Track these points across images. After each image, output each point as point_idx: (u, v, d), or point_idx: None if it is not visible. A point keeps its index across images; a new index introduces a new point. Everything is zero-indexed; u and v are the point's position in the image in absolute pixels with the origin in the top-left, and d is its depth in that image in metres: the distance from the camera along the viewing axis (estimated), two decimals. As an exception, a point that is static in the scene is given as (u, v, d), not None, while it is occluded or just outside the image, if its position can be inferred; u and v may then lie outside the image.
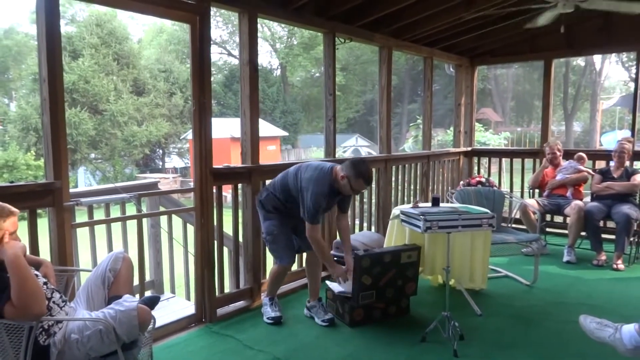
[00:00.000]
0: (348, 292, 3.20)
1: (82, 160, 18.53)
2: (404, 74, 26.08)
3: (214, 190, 3.30)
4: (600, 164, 5.40)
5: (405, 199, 5.32)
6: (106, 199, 3.09)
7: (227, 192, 3.82)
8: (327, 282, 3.45)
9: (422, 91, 5.85)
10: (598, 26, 5.30)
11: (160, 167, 22.64)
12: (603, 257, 4.56)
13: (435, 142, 15.41)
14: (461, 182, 5.14)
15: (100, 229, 3.19)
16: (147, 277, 3.84)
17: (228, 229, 3.57)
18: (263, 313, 3.36)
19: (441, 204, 3.55)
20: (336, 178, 3.01)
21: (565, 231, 4.92)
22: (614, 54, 21.17)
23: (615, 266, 4.42)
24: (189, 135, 19.77)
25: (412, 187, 5.44)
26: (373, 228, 4.91)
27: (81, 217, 2.98)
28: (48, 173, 2.53)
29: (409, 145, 16.18)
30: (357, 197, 4.72)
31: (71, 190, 2.72)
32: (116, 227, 3.28)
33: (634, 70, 6.61)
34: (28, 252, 2.24)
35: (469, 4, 4.38)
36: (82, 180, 18.75)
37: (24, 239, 2.18)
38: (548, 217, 5.36)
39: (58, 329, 1.98)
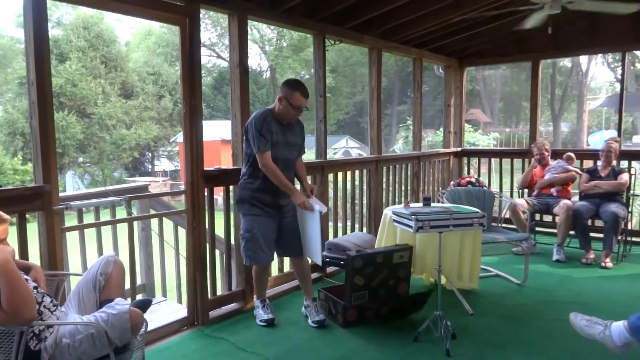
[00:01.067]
0: (324, 210, 3.13)
1: (71, 164, 18.36)
2: (393, 76, 26.18)
3: (206, 193, 3.29)
4: (588, 164, 5.47)
5: (397, 199, 5.34)
6: (96, 202, 3.07)
7: (218, 194, 3.81)
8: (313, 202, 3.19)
9: (412, 92, 5.88)
10: (584, 27, 5.38)
11: (149, 170, 22.49)
12: (592, 255, 4.61)
13: (425, 143, 15.45)
14: (452, 183, 5.18)
15: (91, 233, 3.17)
16: (139, 281, 3.81)
17: (220, 230, 3.56)
18: (256, 316, 3.35)
19: (432, 204, 3.57)
20: (275, 107, 3.09)
21: (555, 230, 4.97)
22: (599, 55, 21.42)
23: (603, 264, 4.47)
24: (179, 138, 19.68)
25: (403, 187, 5.47)
26: (364, 229, 4.93)
27: (71, 220, 2.96)
28: (37, 177, 2.50)
29: (399, 146, 16.22)
30: (349, 198, 4.74)
31: (61, 194, 2.70)
32: (106, 230, 3.26)
33: (619, 70, 6.69)
34: (17, 257, 2.22)
35: (457, 6, 4.42)
36: (71, 184, 18.57)
37: (14, 243, 2.15)
38: (537, 217, 5.41)
39: (49, 333, 1.96)
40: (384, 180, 5.11)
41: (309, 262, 3.49)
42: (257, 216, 3.16)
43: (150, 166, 22.81)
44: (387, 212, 3.73)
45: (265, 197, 3.14)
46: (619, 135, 5.68)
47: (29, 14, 2.41)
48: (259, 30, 26.64)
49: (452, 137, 6.43)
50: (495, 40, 5.78)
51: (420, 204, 3.64)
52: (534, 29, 4.34)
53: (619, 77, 6.51)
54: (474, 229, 3.08)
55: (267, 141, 3.01)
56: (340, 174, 4.65)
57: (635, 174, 5.12)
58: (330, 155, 16.63)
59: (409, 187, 5.55)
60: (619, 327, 2.39)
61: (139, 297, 3.50)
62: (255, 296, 3.50)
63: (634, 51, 14.78)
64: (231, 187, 3.57)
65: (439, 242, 3.01)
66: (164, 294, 4.09)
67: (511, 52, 6.06)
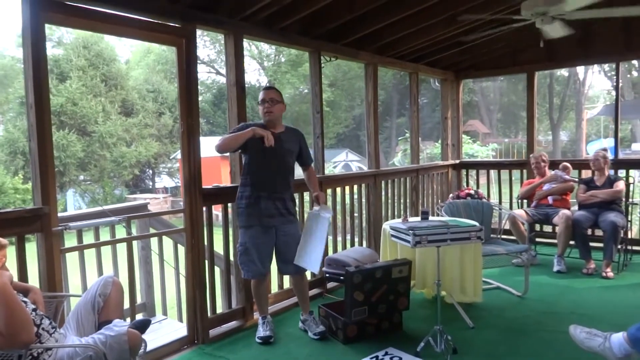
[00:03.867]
0: (329, 214, 3.21)
1: (71, 183, 18.38)
2: (391, 89, 26.33)
3: (204, 210, 3.31)
4: (587, 173, 5.48)
5: (396, 213, 5.35)
6: (95, 223, 3.07)
7: (218, 210, 3.82)
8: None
9: (409, 105, 5.92)
10: (577, 38, 5.41)
11: (150, 187, 22.50)
12: (592, 265, 4.60)
13: (424, 155, 15.52)
14: (450, 195, 5.19)
15: (90, 253, 3.17)
16: (139, 300, 3.81)
17: (219, 248, 3.56)
18: (256, 333, 3.33)
19: (430, 218, 3.58)
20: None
21: (555, 240, 4.97)
22: (596, 65, 21.57)
23: (604, 274, 4.46)
24: (179, 154, 19.72)
25: (402, 201, 5.48)
26: (364, 243, 4.93)
27: (70, 240, 2.97)
28: (36, 198, 2.52)
29: (399, 159, 16.28)
30: (348, 212, 4.75)
31: (60, 214, 2.71)
32: (106, 250, 3.26)
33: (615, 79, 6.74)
34: (16, 279, 2.23)
35: (450, 22, 4.47)
36: (72, 202, 18.58)
37: (12, 265, 2.16)
38: (537, 227, 5.41)
39: (48, 356, 1.96)
40: (383, 194, 5.13)
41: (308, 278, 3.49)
42: (251, 229, 3.17)
43: (151, 183, 22.84)
44: (386, 226, 3.74)
45: (259, 204, 3.15)
46: (616, 144, 5.70)
47: (27, 38, 2.45)
48: (258, 47, 26.87)
49: (450, 149, 6.45)
50: (489, 53, 5.83)
51: (419, 218, 3.65)
52: (526, 41, 4.38)
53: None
54: (472, 242, 3.09)
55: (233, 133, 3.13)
56: (338, 189, 4.66)
57: (633, 182, 5.13)
58: (330, 168, 16.66)
59: (407, 201, 5.56)
60: (618, 338, 2.39)
61: (138, 316, 3.49)
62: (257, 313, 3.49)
63: (628, 61, 14.89)
64: (229, 205, 3.59)
65: (437, 256, 3.01)
66: (165, 313, 4.08)
67: (506, 64, 6.11)
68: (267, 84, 3.87)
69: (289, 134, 3.31)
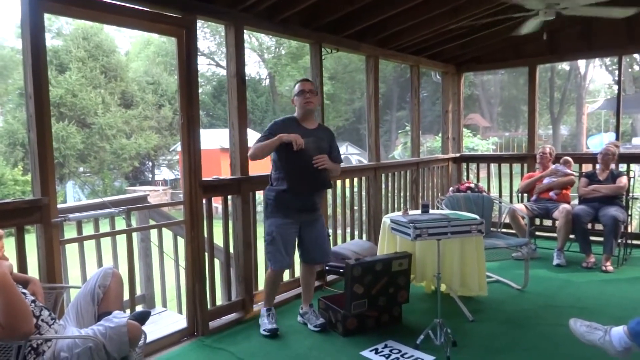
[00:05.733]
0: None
1: (71, 175, 18.37)
2: (392, 82, 26.26)
3: (204, 203, 3.30)
4: (588, 167, 5.47)
5: (396, 206, 5.34)
6: (95, 214, 3.07)
7: (217, 202, 3.81)
8: None
9: (410, 99, 5.90)
10: (579, 32, 5.40)
11: (150, 179, 22.50)
12: (592, 259, 4.60)
13: (424, 149, 15.48)
14: (450, 189, 5.18)
15: (90, 244, 3.17)
16: (138, 292, 3.81)
17: (219, 240, 3.56)
18: (260, 325, 3.33)
19: (430, 211, 3.57)
20: (295, 111, 3.25)
21: (555, 234, 4.97)
22: (597, 58, 21.49)
23: (604, 268, 4.46)
24: (179, 147, 19.70)
25: (402, 194, 5.47)
26: (364, 236, 4.93)
27: (70, 232, 2.97)
28: (35, 189, 2.51)
29: (399, 152, 16.24)
30: (348, 205, 4.74)
31: (59, 205, 2.70)
32: (106, 241, 3.26)
33: (617, 73, 6.72)
34: (16, 270, 2.22)
35: (453, 14, 4.44)
36: (71, 194, 18.58)
37: (12, 256, 2.16)
38: (537, 221, 5.41)
39: (47, 347, 1.96)
40: (383, 187, 5.12)
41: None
42: (279, 219, 3.17)
43: (150, 175, 22.84)
44: (386, 219, 3.73)
45: (291, 201, 3.14)
46: (617, 138, 5.69)
47: (26, 28, 2.43)
48: (258, 39, 26.77)
49: (450, 142, 6.44)
50: (491, 46, 5.80)
51: (419, 211, 3.65)
52: (529, 34, 4.36)
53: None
54: (472, 235, 3.08)
55: (259, 141, 3.11)
56: (339, 182, 4.65)
57: (634, 177, 5.13)
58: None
59: (408, 194, 5.55)
60: (618, 332, 2.39)
61: (138, 308, 3.50)
62: (261, 304, 3.47)
63: (630, 54, 14.83)
64: (229, 197, 3.58)
65: (438, 249, 3.00)
66: (164, 305, 4.08)
67: (508, 57, 6.08)
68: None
69: (322, 131, 3.30)
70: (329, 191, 4.42)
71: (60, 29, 22.71)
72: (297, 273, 3.86)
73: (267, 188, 3.25)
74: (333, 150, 3.30)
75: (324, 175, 3.19)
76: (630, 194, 4.99)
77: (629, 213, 4.87)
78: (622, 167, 5.31)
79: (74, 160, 18.27)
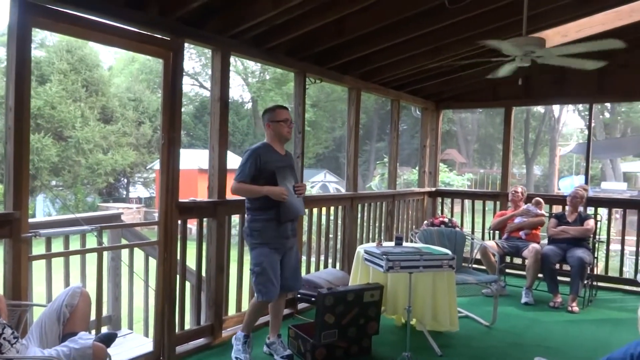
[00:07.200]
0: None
1: (42, 188, 17.91)
2: (372, 113, 26.68)
3: (179, 224, 3.28)
4: (558, 208, 5.63)
5: (371, 236, 5.38)
6: (67, 231, 3.01)
7: (191, 224, 3.79)
8: None
9: (389, 131, 6.02)
10: (554, 79, 5.64)
11: (124, 196, 22.12)
12: (559, 299, 4.70)
13: (401, 181, 15.70)
14: (425, 222, 5.26)
15: (58, 261, 3.10)
16: (105, 312, 3.71)
17: (191, 262, 3.52)
18: (234, 351, 3.24)
19: (404, 244, 3.62)
20: (267, 137, 3.23)
21: (524, 272, 5.06)
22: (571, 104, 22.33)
23: (570, 308, 4.56)
24: (156, 165, 19.50)
25: (377, 225, 5.52)
26: (338, 265, 4.94)
27: (38, 247, 2.90)
28: (7, 203, 2.46)
29: (376, 182, 16.41)
30: (323, 233, 4.76)
31: (30, 220, 2.65)
32: (74, 259, 3.19)
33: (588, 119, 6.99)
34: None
35: (433, 54, 4.60)
36: (41, 208, 18.08)
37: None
38: (507, 259, 5.51)
39: (7, 366, 1.90)
40: (359, 217, 5.16)
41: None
42: (266, 249, 3.12)
43: (125, 192, 22.46)
44: (360, 250, 3.76)
45: (278, 229, 3.13)
46: (586, 181, 5.89)
47: (12, 40, 2.43)
48: (243, 62, 26.97)
49: (427, 177, 6.56)
50: (470, 86, 6.00)
51: (393, 243, 3.69)
52: (507, 78, 4.53)
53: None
54: (444, 270, 3.13)
55: (246, 175, 3.07)
56: (315, 210, 4.68)
57: (601, 220, 5.29)
58: (308, 188, 16.68)
59: (383, 225, 5.61)
60: (581, 373, 2.44)
61: (104, 329, 3.41)
62: (241, 327, 3.32)
63: (601, 103, 15.47)
64: (204, 220, 3.57)
65: (410, 282, 3.04)
66: (130, 327, 3.98)
67: (486, 97, 6.29)
68: (277, 105, 3.64)
69: (289, 155, 3.39)
70: (305, 218, 4.45)
71: (44, 40, 22.52)
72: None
73: (250, 218, 3.18)
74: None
75: (302, 201, 3.27)
76: (597, 237, 5.15)
77: (595, 255, 5.01)
78: (590, 210, 5.48)
79: (46, 173, 17.85)
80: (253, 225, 3.15)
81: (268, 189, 3.05)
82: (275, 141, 3.24)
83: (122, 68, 26.40)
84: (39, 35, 22.30)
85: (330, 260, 4.86)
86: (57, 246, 3.06)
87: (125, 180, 22.21)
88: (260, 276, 3.10)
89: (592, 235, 4.95)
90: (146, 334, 3.89)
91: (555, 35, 4.59)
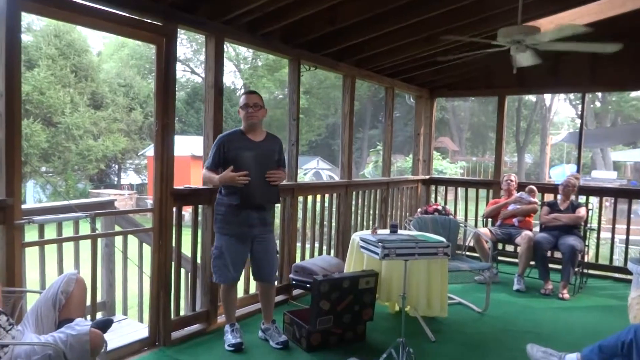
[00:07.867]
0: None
1: (32, 174, 17.72)
2: (366, 100, 26.62)
3: (174, 211, 3.27)
4: (549, 197, 5.68)
5: (365, 224, 5.40)
6: (60, 218, 2.99)
7: (186, 211, 3.78)
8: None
9: (384, 119, 6.02)
10: (548, 68, 5.63)
11: (115, 182, 21.98)
12: (550, 286, 4.76)
13: (394, 168, 15.72)
14: (419, 210, 5.28)
15: (51, 248, 3.08)
16: (99, 298, 3.71)
17: (186, 249, 3.52)
18: (224, 340, 3.27)
19: (399, 231, 3.63)
20: (242, 122, 3.24)
21: (516, 260, 5.12)
22: (563, 93, 22.42)
23: (561, 295, 4.62)
24: (148, 151, 19.36)
25: (371, 212, 5.54)
26: (332, 252, 4.95)
27: (31, 232, 2.87)
28: (0, 190, 2.44)
29: (369, 170, 16.45)
30: (318, 221, 4.77)
31: (23, 207, 2.63)
32: (68, 245, 3.17)
33: (580, 108, 7.03)
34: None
35: (426, 42, 4.59)
36: (31, 194, 17.91)
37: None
38: (500, 246, 5.56)
39: (4, 353, 1.89)
40: (353, 204, 5.17)
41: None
42: (228, 235, 3.16)
43: (116, 179, 22.30)
44: (355, 237, 3.77)
45: (241, 216, 3.14)
46: (578, 170, 5.94)
47: (1, 25, 2.38)
48: (235, 49, 26.70)
49: (420, 164, 6.57)
50: (464, 74, 6.00)
51: (388, 231, 3.71)
52: (499, 66, 4.54)
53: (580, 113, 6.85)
54: (439, 258, 3.15)
55: (211, 163, 3.19)
56: (310, 197, 4.68)
57: (592, 209, 5.35)
58: (301, 175, 16.67)
59: (377, 212, 5.63)
60: (572, 359, 2.48)
61: (98, 315, 3.41)
62: (225, 319, 3.41)
63: (593, 92, 15.57)
64: (200, 207, 3.56)
65: (405, 269, 3.06)
66: (125, 312, 3.98)
67: (479, 86, 6.30)
68: (247, 88, 3.80)
69: (270, 141, 3.30)
70: (300, 206, 4.45)
71: (30, 25, 22.12)
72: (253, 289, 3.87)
73: (216, 202, 3.24)
74: (280, 160, 3.35)
75: (274, 190, 3.21)
76: (588, 225, 5.20)
77: (586, 243, 5.07)
78: (582, 198, 5.53)
79: (36, 160, 17.64)
80: (217, 209, 3.24)
81: (220, 176, 3.10)
82: (246, 127, 3.23)
83: (111, 53, 26.05)
84: (25, 19, 21.91)
85: (324, 248, 4.88)
86: (50, 232, 3.04)
87: (117, 167, 22.05)
88: (216, 259, 3.20)
89: (583, 223, 5.01)
90: (140, 320, 3.89)
91: (549, 25, 4.59)
